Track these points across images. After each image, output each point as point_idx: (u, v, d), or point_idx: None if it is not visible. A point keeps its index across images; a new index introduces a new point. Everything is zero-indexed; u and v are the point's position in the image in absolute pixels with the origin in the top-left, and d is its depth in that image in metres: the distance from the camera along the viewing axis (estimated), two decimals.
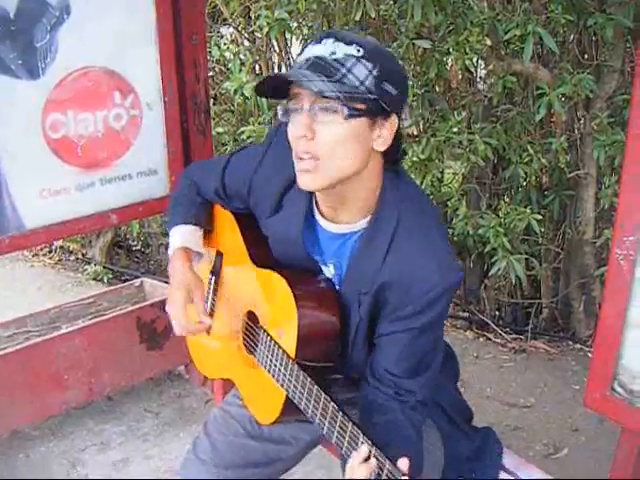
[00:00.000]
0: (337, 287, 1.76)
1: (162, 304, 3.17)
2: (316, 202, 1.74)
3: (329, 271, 1.79)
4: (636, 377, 1.82)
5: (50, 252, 5.12)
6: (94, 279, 4.75)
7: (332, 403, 1.55)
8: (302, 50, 1.62)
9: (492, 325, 4.40)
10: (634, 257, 1.75)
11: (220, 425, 2.01)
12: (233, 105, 4.30)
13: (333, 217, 1.70)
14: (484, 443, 1.99)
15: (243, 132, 3.83)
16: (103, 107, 2.64)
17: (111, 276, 4.79)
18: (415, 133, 4.14)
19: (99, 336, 3.10)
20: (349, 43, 1.52)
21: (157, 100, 2.78)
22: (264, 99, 3.76)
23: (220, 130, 4.01)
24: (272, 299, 1.80)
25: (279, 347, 1.72)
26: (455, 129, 3.87)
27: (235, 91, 3.77)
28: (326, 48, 1.53)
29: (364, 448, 1.45)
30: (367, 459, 1.44)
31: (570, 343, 4.44)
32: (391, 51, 1.67)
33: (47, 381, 2.98)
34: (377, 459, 1.43)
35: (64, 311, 3.34)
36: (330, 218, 1.71)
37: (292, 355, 1.68)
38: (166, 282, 3.60)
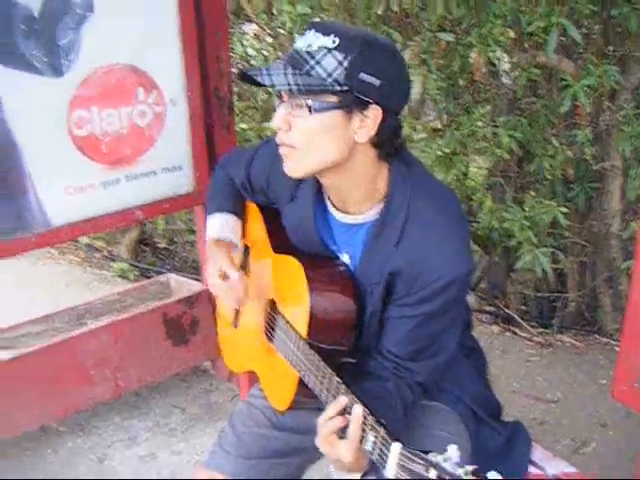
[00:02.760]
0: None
1: (188, 300, 3.23)
2: (326, 194, 1.76)
3: (344, 259, 1.80)
4: None
5: (77, 250, 5.15)
6: (120, 276, 4.77)
7: (336, 378, 1.55)
8: None
9: (518, 319, 4.37)
10: None
11: (245, 417, 2.02)
12: (257, 101, 4.31)
13: (343, 207, 1.72)
14: (512, 437, 1.98)
15: (267, 128, 3.83)
16: (127, 104, 2.66)
17: (137, 273, 4.82)
18: (439, 127, 4.13)
19: (125, 332, 3.11)
20: (327, 34, 1.52)
21: (181, 96, 2.79)
22: None
23: (244, 126, 4.01)
24: (287, 282, 1.82)
25: (292, 328, 1.74)
26: (479, 122, 3.87)
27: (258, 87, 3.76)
28: (305, 40, 1.54)
29: (342, 398, 1.49)
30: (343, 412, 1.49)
31: (597, 337, 4.41)
32: (387, 41, 1.63)
33: (74, 377, 3.00)
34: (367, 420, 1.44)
35: (90, 308, 3.35)
36: (341, 208, 1.73)
37: (304, 335, 1.69)
38: (193, 278, 3.65)
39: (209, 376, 3.56)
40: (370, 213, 1.69)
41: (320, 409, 1.92)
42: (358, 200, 1.68)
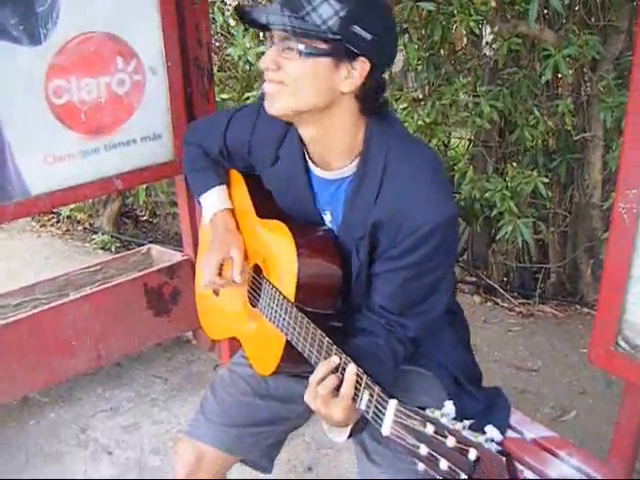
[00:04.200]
0: (336, 234, 1.78)
1: (169, 270, 3.23)
2: (307, 151, 1.76)
3: (327, 219, 1.81)
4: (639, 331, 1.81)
5: (58, 222, 5.13)
6: (102, 248, 4.76)
7: (327, 338, 1.56)
8: None
9: (500, 290, 4.40)
10: (637, 210, 1.74)
11: (227, 385, 2.02)
12: (237, 71, 4.29)
13: (324, 164, 1.73)
14: (492, 403, 1.99)
15: (248, 98, 3.81)
16: (106, 72, 2.65)
17: (119, 245, 4.80)
18: (420, 97, 4.12)
19: (107, 303, 3.11)
20: None
21: (160, 65, 2.78)
22: None
23: (225, 96, 3.99)
24: (273, 247, 1.83)
25: (279, 293, 1.74)
26: (461, 92, 3.86)
27: (239, 57, 3.74)
28: None
29: (334, 358, 1.50)
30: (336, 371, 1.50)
31: (578, 307, 4.44)
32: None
33: (56, 348, 2.99)
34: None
35: (72, 279, 3.34)
36: (322, 165, 1.74)
37: (292, 300, 1.70)
38: (174, 249, 3.64)
39: (191, 346, 3.57)
40: (350, 167, 1.70)
41: (304, 377, 1.95)
42: (338, 154, 1.69)
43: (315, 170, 1.76)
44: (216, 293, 2.12)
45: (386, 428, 1.36)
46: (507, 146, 4.21)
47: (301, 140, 1.74)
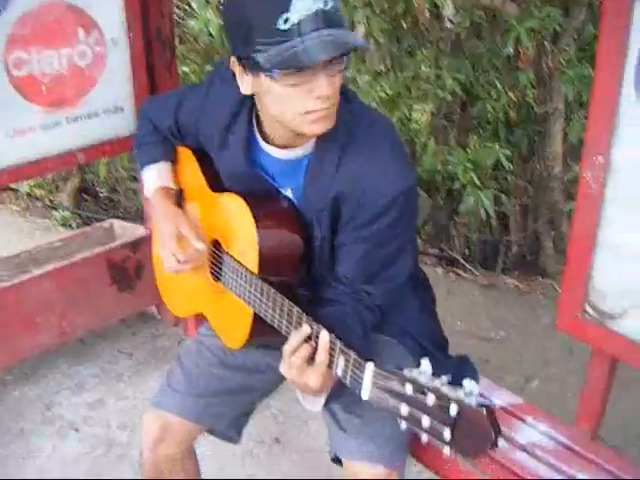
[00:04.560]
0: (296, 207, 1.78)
1: (132, 245, 3.20)
2: (261, 133, 1.74)
3: (286, 195, 1.80)
4: (607, 298, 1.83)
5: (17, 199, 5.05)
6: (62, 225, 4.70)
7: (296, 307, 1.56)
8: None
9: (462, 261, 4.43)
10: (604, 177, 1.76)
11: (193, 356, 2.01)
12: (199, 44, 4.24)
13: (282, 143, 1.71)
14: (459, 370, 2.01)
15: (210, 71, 3.76)
16: (66, 44, 2.60)
17: (80, 221, 4.75)
18: (383, 70, 4.12)
19: (69, 278, 3.07)
20: None
21: (121, 36, 2.73)
22: None
23: (186, 69, 3.95)
24: (232, 220, 1.81)
25: (242, 265, 1.73)
26: (423, 65, 3.86)
27: (200, 30, 3.70)
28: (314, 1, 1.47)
29: (305, 327, 1.51)
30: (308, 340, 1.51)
31: (540, 278, 4.50)
32: None
33: (18, 324, 2.95)
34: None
35: (33, 255, 3.29)
36: (279, 144, 1.72)
37: (255, 271, 1.70)
38: (137, 224, 3.60)
39: (155, 321, 3.53)
40: (309, 144, 1.69)
41: (271, 347, 1.95)
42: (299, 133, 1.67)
43: (272, 151, 1.74)
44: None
45: (365, 392, 1.37)
46: (469, 119, 4.23)
47: (257, 123, 1.73)
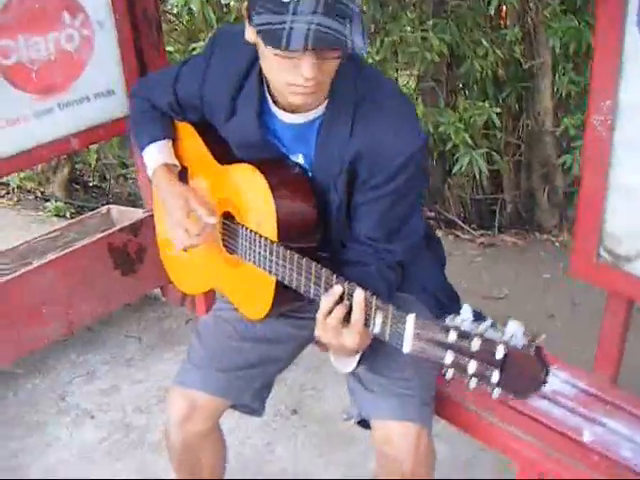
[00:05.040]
0: (310, 174, 1.78)
1: (132, 228, 3.18)
2: (271, 96, 1.73)
3: (299, 161, 1.80)
4: (621, 240, 1.84)
5: (8, 193, 4.99)
6: (56, 215, 4.64)
7: (325, 269, 1.57)
8: None
9: (459, 222, 4.43)
10: (611, 120, 1.76)
11: (213, 330, 2.00)
12: (181, 23, 4.20)
13: (292, 108, 1.70)
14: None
15: (194, 49, 3.74)
16: (53, 29, 2.57)
17: (73, 211, 4.70)
18: (368, 35, 4.08)
19: (72, 267, 3.04)
20: None
21: (108, 18, 2.71)
22: (212, 13, 3.66)
23: (170, 49, 3.90)
24: (245, 190, 1.81)
25: (260, 235, 1.73)
26: (408, 28, 3.84)
27: (181, 8, 3.66)
28: None
29: (336, 288, 1.51)
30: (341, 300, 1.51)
31: (537, 234, 4.50)
32: None
33: (25, 317, 2.92)
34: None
35: (33, 246, 3.27)
36: (289, 108, 1.71)
37: (274, 239, 1.70)
38: (135, 207, 3.58)
39: (161, 303, 3.53)
40: (319, 108, 1.69)
41: (290, 316, 1.95)
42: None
43: (282, 116, 1.73)
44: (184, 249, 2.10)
45: (407, 344, 1.37)
46: (456, 79, 4.21)
47: (267, 88, 1.72)
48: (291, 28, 1.41)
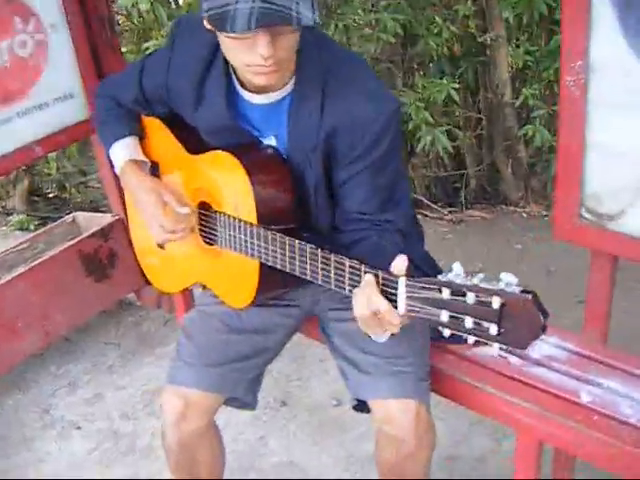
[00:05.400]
0: (284, 155, 1.75)
1: (102, 233, 3.13)
2: (239, 80, 1.70)
3: (271, 144, 1.77)
4: (602, 199, 1.83)
5: None
6: (20, 229, 4.55)
7: (311, 245, 1.54)
8: None
9: (426, 202, 4.43)
10: (585, 80, 1.75)
11: (200, 326, 1.97)
12: (132, 22, 4.13)
13: (259, 88, 1.67)
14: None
15: (147, 48, 3.68)
16: (5, 35, 2.51)
17: (37, 223, 4.61)
18: (321, 21, 4.06)
19: (44, 278, 2.99)
20: None
21: (60, 20, 2.66)
22: (162, 10, 3.61)
23: (124, 50, 3.84)
24: (220, 177, 1.78)
25: (239, 220, 1.71)
26: (360, 11, 3.82)
27: (132, 6, 3.60)
28: None
29: (369, 277, 1.41)
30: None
31: (504, 207, 4.52)
32: None
33: (0, 332, 2.87)
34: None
35: (1, 261, 3.21)
36: (256, 90, 1.68)
37: (254, 221, 1.68)
38: (101, 212, 3.52)
39: (136, 307, 3.48)
40: (287, 87, 1.67)
41: (275, 305, 1.92)
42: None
43: (250, 97, 1.71)
44: (161, 246, 2.06)
45: (401, 305, 1.34)
46: (412, 58, 4.20)
47: (234, 73, 1.70)
48: (235, 9, 1.41)
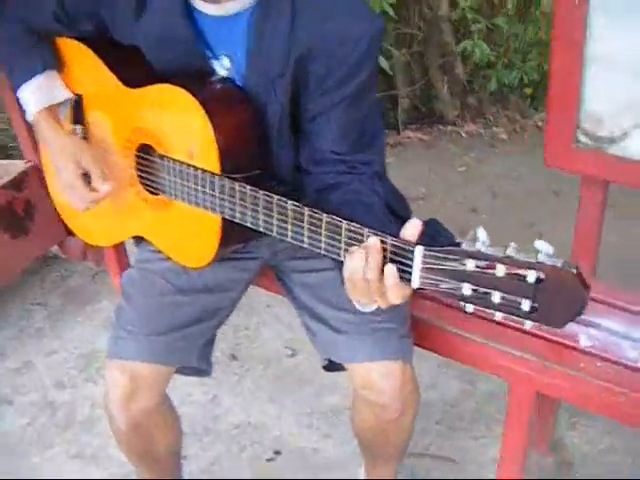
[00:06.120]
0: (240, 82, 1.48)
1: (15, 184, 2.80)
2: None
3: (223, 66, 1.50)
4: (603, 120, 1.63)
5: None
6: None
7: (294, 202, 1.28)
8: None
9: None
10: None
11: (141, 287, 1.70)
12: None
13: None
14: (435, 233, 1.78)
15: None
16: None
17: None
18: None
19: None
20: None
21: None
22: None
23: None
24: (167, 115, 1.50)
25: (196, 168, 1.43)
26: None
27: None
28: None
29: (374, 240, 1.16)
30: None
31: (440, 127, 4.37)
32: None
33: None
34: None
35: None
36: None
37: (216, 170, 1.41)
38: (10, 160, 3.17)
39: (60, 260, 3.16)
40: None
41: (234, 259, 1.67)
42: None
43: (202, 6, 1.43)
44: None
45: (415, 279, 1.12)
46: None
47: None
48: None
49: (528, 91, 4.33)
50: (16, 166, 2.92)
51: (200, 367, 1.78)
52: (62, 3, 1.59)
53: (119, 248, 2.44)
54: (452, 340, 1.70)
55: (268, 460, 2.27)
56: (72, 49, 1.67)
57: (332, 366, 1.70)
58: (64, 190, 1.63)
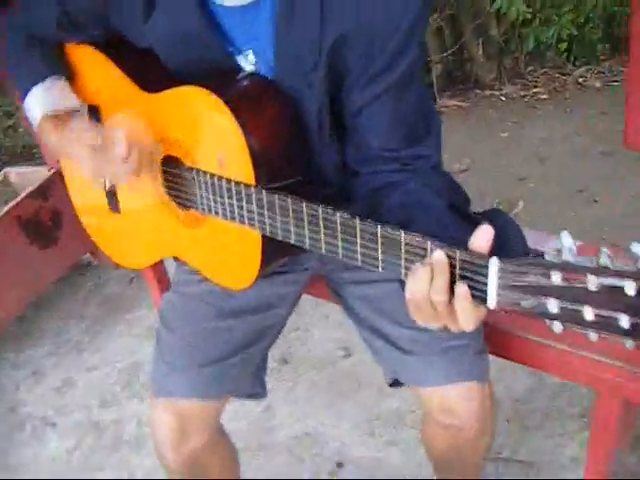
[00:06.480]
0: (269, 77, 1.30)
1: (40, 191, 2.66)
2: None
3: (248, 61, 1.32)
4: None
5: None
6: None
7: (342, 212, 1.10)
8: None
9: None
10: None
11: (182, 312, 1.54)
12: None
13: None
14: (504, 235, 1.60)
15: None
16: None
17: None
18: None
19: None
20: None
21: None
22: None
23: None
24: (192, 121, 1.33)
25: (228, 180, 1.26)
26: None
27: None
28: None
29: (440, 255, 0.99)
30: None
31: (478, 91, 4.18)
32: None
33: None
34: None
35: None
36: None
37: (252, 182, 1.24)
38: (34, 165, 3.05)
39: (93, 268, 3.04)
40: None
41: (278, 273, 1.52)
42: None
43: None
44: (114, 208, 1.63)
45: (491, 298, 0.94)
46: None
47: None
48: None
49: (563, 46, 4.11)
50: (39, 173, 2.79)
51: (254, 391, 1.64)
52: (66, 12, 1.45)
53: (157, 267, 2.30)
54: (531, 347, 1.52)
55: (330, 473, 2.12)
56: (85, 56, 1.53)
57: (398, 382, 1.54)
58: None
